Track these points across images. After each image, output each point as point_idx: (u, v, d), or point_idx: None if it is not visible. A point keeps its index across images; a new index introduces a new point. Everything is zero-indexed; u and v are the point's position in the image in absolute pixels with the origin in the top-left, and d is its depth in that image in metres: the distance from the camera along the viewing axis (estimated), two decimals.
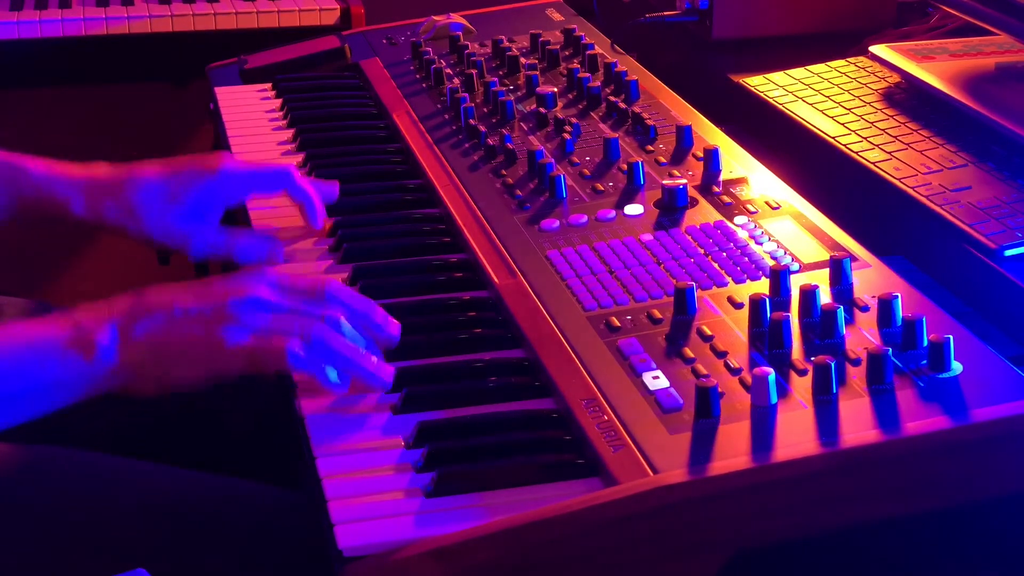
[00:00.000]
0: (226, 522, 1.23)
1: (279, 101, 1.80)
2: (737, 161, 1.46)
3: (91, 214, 1.40)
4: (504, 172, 1.49)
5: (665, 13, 1.94)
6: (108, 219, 1.40)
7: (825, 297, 1.18)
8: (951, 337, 1.07)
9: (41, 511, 1.21)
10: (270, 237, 1.40)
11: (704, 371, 1.10)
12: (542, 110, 1.61)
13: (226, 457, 1.48)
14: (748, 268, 1.25)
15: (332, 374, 1.12)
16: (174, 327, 1.12)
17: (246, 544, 1.22)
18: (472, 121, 1.61)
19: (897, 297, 1.13)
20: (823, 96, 1.67)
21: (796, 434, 1.02)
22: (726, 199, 1.38)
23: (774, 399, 1.05)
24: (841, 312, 1.12)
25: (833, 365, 1.05)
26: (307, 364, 1.12)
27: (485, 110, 1.65)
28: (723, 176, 1.42)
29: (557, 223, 1.37)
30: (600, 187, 1.43)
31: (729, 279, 1.23)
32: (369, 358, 1.14)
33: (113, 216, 1.39)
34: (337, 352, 1.12)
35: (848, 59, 1.77)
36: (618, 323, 1.19)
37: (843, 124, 1.59)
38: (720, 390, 1.06)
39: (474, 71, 1.73)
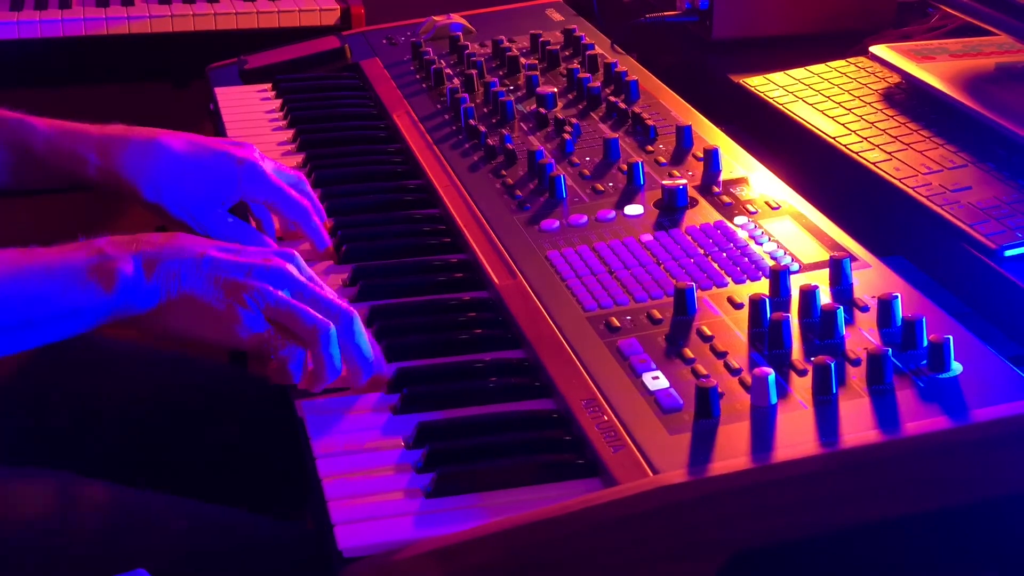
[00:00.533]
0: (219, 549, 1.22)
1: (279, 101, 1.80)
2: (737, 161, 1.46)
3: (103, 176, 1.36)
4: (504, 172, 1.49)
5: (665, 13, 1.94)
6: (122, 183, 1.36)
7: (825, 297, 1.18)
8: (951, 337, 1.07)
9: (28, 541, 1.20)
10: (272, 244, 1.38)
11: (704, 371, 1.10)
12: (542, 110, 1.61)
13: (218, 469, 1.48)
14: (748, 268, 1.25)
15: (337, 358, 1.12)
16: (197, 276, 1.11)
17: (238, 570, 1.21)
18: (472, 121, 1.61)
19: (897, 297, 1.13)
20: (823, 96, 1.67)
21: (796, 434, 1.02)
22: (726, 199, 1.38)
23: (774, 399, 1.05)
24: (841, 312, 1.12)
25: (833, 365, 1.05)
26: (293, 373, 1.12)
27: (485, 110, 1.65)
28: (723, 176, 1.42)
29: (557, 223, 1.37)
30: (600, 187, 1.43)
31: (729, 279, 1.23)
32: (370, 366, 1.14)
33: (128, 182, 1.36)
34: (336, 358, 1.12)
35: (848, 59, 1.77)
36: (618, 323, 1.19)
37: (843, 124, 1.59)
38: (720, 390, 1.06)
39: (474, 71, 1.73)
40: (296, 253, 1.18)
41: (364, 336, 1.14)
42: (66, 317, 1.11)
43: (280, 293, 1.12)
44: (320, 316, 1.12)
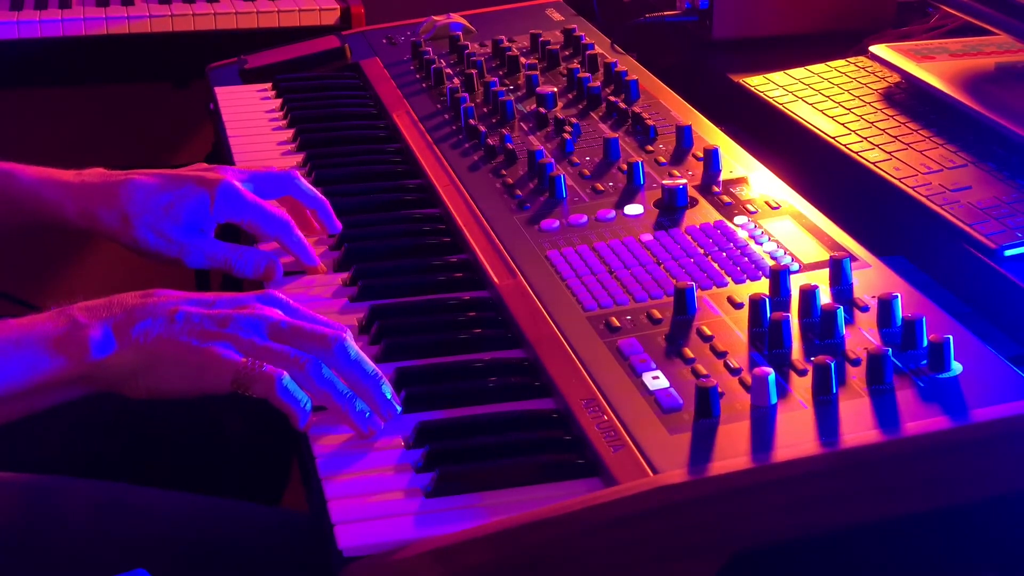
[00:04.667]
0: (223, 545, 1.21)
1: (279, 101, 1.80)
2: (737, 161, 1.46)
3: (84, 220, 1.37)
4: (504, 172, 1.49)
5: (665, 13, 1.94)
6: (101, 225, 1.37)
7: (825, 297, 1.18)
8: (951, 337, 1.07)
9: (35, 543, 1.20)
10: (267, 252, 1.37)
11: (704, 371, 1.10)
12: (542, 110, 1.61)
13: (222, 464, 1.47)
14: (748, 268, 1.25)
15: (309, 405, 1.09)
16: (171, 334, 1.10)
17: (244, 566, 1.20)
18: (472, 121, 1.61)
19: (897, 297, 1.13)
20: (823, 96, 1.67)
21: (796, 434, 1.02)
22: (726, 199, 1.38)
23: (774, 399, 1.05)
24: (841, 312, 1.12)
25: (833, 365, 1.05)
26: (294, 396, 1.08)
27: (485, 110, 1.65)
28: (723, 176, 1.42)
29: (557, 223, 1.37)
30: (600, 187, 1.43)
31: (729, 279, 1.23)
32: (377, 381, 1.11)
33: (106, 222, 1.36)
34: (333, 383, 1.10)
35: (848, 59, 1.77)
36: (618, 323, 1.19)
37: (843, 124, 1.59)
38: (720, 390, 1.06)
39: (474, 71, 1.73)
40: (276, 294, 1.16)
41: (361, 353, 1.12)
42: (40, 391, 1.10)
43: (256, 339, 1.10)
44: (301, 349, 1.10)
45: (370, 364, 1.12)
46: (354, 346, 1.12)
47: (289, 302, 1.16)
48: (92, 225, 1.38)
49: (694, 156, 1.48)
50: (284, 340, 1.11)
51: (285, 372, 1.08)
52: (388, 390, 1.11)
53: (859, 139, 1.54)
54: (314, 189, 1.43)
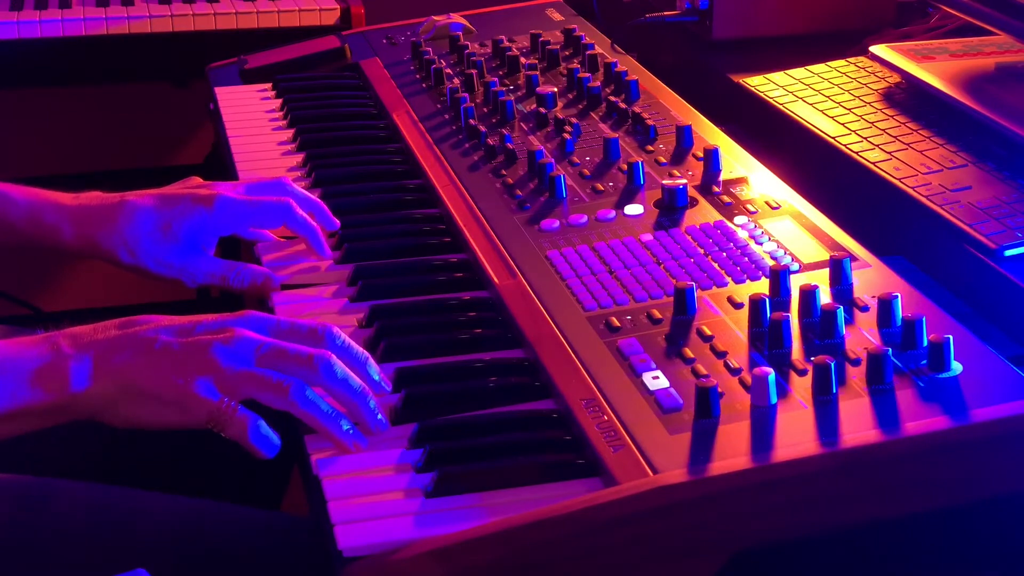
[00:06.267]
0: (221, 547, 1.21)
1: (279, 101, 1.80)
2: (737, 161, 1.46)
3: (82, 243, 1.37)
4: (504, 172, 1.49)
5: (665, 13, 1.94)
6: (100, 250, 1.37)
7: (825, 297, 1.18)
8: (951, 337, 1.07)
9: (34, 544, 1.19)
10: (262, 269, 1.37)
11: (704, 371, 1.10)
12: (542, 110, 1.61)
13: (220, 467, 1.47)
14: (748, 268, 1.25)
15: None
16: (150, 366, 1.09)
17: (243, 569, 1.20)
18: (472, 121, 1.61)
19: (897, 297, 1.13)
20: (823, 96, 1.67)
21: (796, 434, 1.02)
22: (726, 199, 1.38)
23: (774, 399, 1.05)
24: (841, 312, 1.12)
25: (833, 365, 1.05)
26: (266, 441, 1.09)
27: (485, 110, 1.65)
28: (723, 176, 1.42)
29: (557, 223, 1.37)
30: (600, 187, 1.43)
31: (729, 279, 1.23)
32: (364, 397, 1.11)
33: (105, 246, 1.37)
34: (316, 405, 1.09)
35: (848, 59, 1.77)
36: (618, 323, 1.19)
37: (843, 124, 1.59)
38: (720, 390, 1.06)
39: (474, 71, 1.73)
40: (257, 313, 1.15)
41: (345, 370, 1.11)
42: (17, 417, 1.10)
43: (237, 365, 1.09)
44: (284, 372, 1.09)
45: (356, 380, 1.11)
46: (341, 365, 1.11)
47: (271, 318, 1.15)
48: (90, 249, 1.38)
49: (694, 156, 1.48)
50: (266, 364, 1.10)
51: (260, 419, 1.08)
52: (375, 405, 1.11)
53: (859, 139, 1.54)
54: (307, 192, 1.43)
